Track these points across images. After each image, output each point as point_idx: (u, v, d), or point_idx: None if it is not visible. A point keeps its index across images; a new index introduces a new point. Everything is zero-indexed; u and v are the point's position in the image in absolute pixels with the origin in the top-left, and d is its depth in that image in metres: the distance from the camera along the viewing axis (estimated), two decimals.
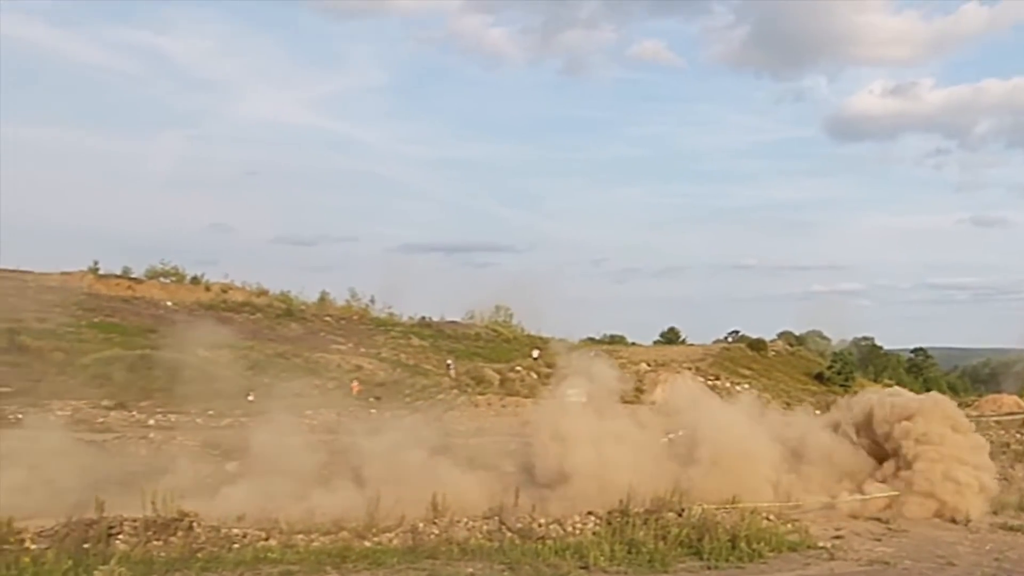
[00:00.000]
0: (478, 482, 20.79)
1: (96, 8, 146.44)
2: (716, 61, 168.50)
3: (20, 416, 33.29)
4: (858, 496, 21.89)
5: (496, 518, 17.55)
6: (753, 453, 22.21)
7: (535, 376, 65.36)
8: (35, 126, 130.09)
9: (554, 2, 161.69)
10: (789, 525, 19.07)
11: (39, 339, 55.29)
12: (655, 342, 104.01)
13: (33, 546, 14.33)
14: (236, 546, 15.55)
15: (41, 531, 15.05)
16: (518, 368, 67.52)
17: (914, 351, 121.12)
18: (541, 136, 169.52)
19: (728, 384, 70.00)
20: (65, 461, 21.76)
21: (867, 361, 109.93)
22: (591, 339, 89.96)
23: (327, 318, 78.96)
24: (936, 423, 22.76)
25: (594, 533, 17.10)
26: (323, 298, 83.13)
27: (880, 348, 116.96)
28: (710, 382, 69.05)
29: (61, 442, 24.53)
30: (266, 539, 16.01)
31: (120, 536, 15.28)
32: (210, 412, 41.59)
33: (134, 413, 40.65)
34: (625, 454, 21.75)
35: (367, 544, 16.16)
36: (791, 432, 24.43)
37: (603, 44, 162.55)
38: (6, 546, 14.29)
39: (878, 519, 20.88)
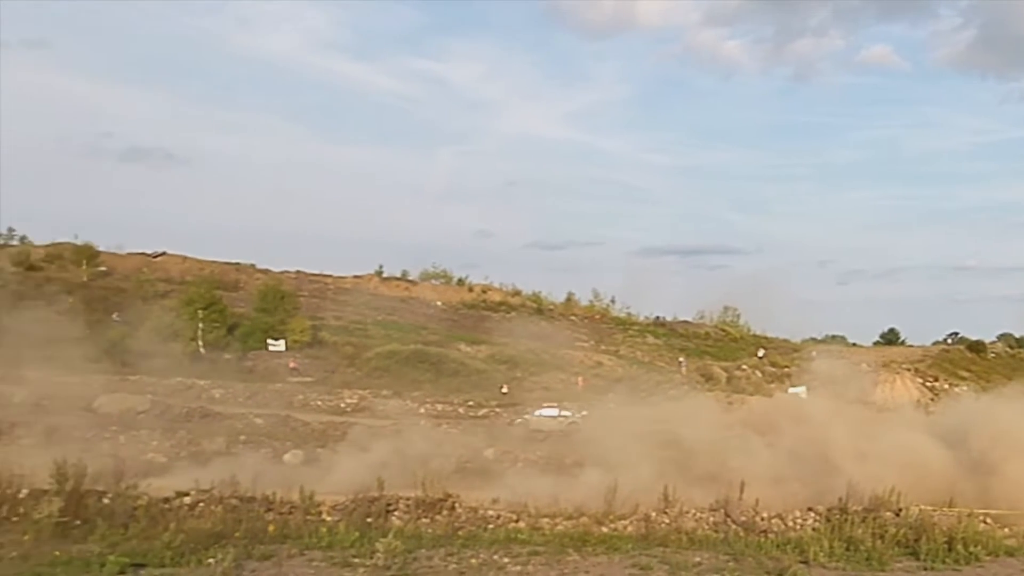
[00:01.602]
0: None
1: (392, 43, 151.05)
2: (942, 64, 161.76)
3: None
4: None
5: (722, 510, 17.09)
6: None
7: (759, 375, 64.54)
8: (341, 146, 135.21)
9: (786, 13, 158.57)
10: (1007, 529, 17.96)
11: (335, 335, 57.40)
12: (875, 343, 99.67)
13: (328, 518, 14.76)
14: (491, 526, 15.66)
15: (335, 505, 15.42)
16: (744, 366, 66.56)
17: None
18: (770, 142, 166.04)
19: (946, 386, 67.05)
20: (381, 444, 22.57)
21: None
22: (813, 339, 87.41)
23: (572, 317, 79.03)
24: None
25: (814, 529, 16.42)
26: (569, 299, 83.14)
27: None
28: (929, 383, 66.75)
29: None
30: (516, 521, 16.08)
31: (396, 512, 15.60)
32: (469, 402, 42.09)
33: (407, 402, 41.13)
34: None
35: (604, 530, 15.94)
36: None
37: (831, 51, 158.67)
38: (308, 517, 14.69)
39: None
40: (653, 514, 16.90)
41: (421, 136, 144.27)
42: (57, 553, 11.34)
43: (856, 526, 16.13)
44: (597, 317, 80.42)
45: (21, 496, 13.60)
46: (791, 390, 39.28)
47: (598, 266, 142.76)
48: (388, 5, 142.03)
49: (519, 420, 35.27)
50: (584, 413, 36.13)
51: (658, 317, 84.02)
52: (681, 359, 68.51)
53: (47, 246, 65.38)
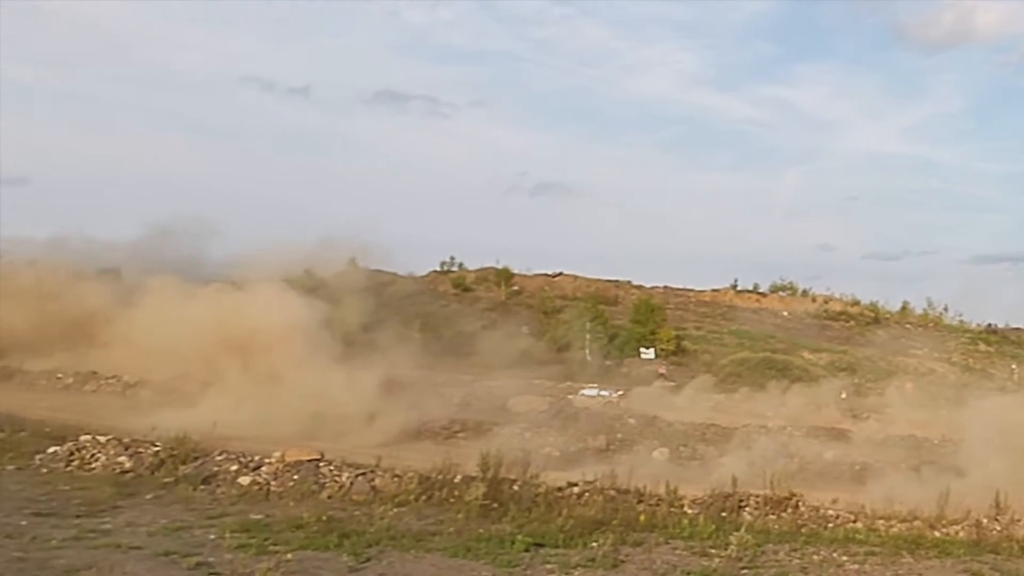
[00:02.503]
0: None
1: (748, 73, 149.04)
2: None
3: None
4: None
5: None
6: None
7: None
8: (702, 172, 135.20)
9: None
10: None
11: (695, 343, 57.66)
12: None
13: (689, 511, 14.82)
14: (831, 525, 15.19)
15: (695, 499, 15.44)
16: None
17: None
18: None
19: None
20: None
21: None
22: None
23: (907, 325, 74.62)
24: None
25: None
26: (904, 307, 78.20)
27: None
28: None
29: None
30: (854, 521, 15.55)
31: (746, 508, 15.47)
32: (812, 407, 40.58)
33: (757, 405, 40.25)
34: None
35: (936, 534, 15.01)
36: None
37: None
38: (672, 509, 14.87)
39: None
40: (984, 520, 15.80)
41: (770, 158, 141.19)
42: (481, 531, 12.18)
43: None
44: (931, 325, 75.77)
45: (456, 481, 14.71)
46: None
47: (932, 275, 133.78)
48: (747, 41, 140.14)
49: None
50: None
51: (990, 324, 77.99)
52: (1013, 366, 63.30)
53: (477, 270, 69.41)
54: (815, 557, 12.45)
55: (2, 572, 8.73)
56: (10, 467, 15.51)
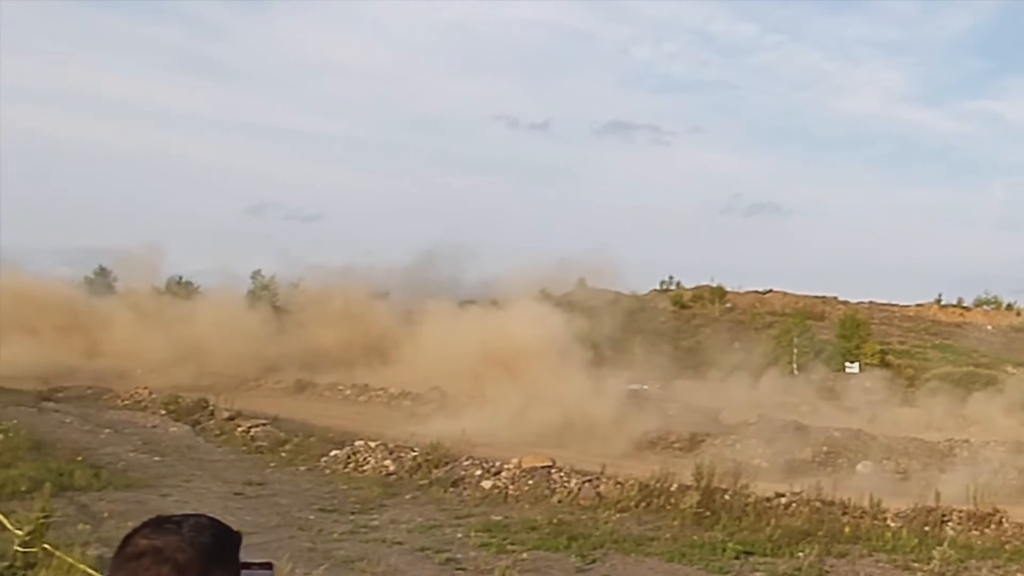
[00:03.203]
0: None
1: (955, 89, 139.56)
2: None
3: None
4: None
5: None
6: None
7: None
8: (907, 188, 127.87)
9: None
10: None
11: (899, 358, 54.57)
12: None
13: (892, 524, 14.07)
14: None
15: (898, 512, 14.57)
16: None
17: None
18: None
19: None
20: None
21: None
22: None
23: None
24: None
25: None
26: None
27: None
28: None
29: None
30: None
31: (949, 523, 14.45)
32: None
33: (958, 421, 37.73)
34: None
35: None
36: None
37: None
38: (875, 521, 14.10)
39: None
40: None
41: (977, 172, 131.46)
42: (695, 537, 12.11)
43: None
44: None
45: (672, 489, 14.61)
46: None
47: None
48: (955, 57, 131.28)
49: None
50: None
51: None
52: None
53: (693, 289, 68.29)
54: (1020, 574, 11.63)
55: (296, 560, 9.34)
56: (302, 468, 16.65)
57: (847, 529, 13.42)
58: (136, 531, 1.62)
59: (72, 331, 39.65)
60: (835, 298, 69.42)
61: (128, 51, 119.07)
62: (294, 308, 42.78)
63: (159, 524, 1.62)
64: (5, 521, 9.58)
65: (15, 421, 18.76)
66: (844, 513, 14.51)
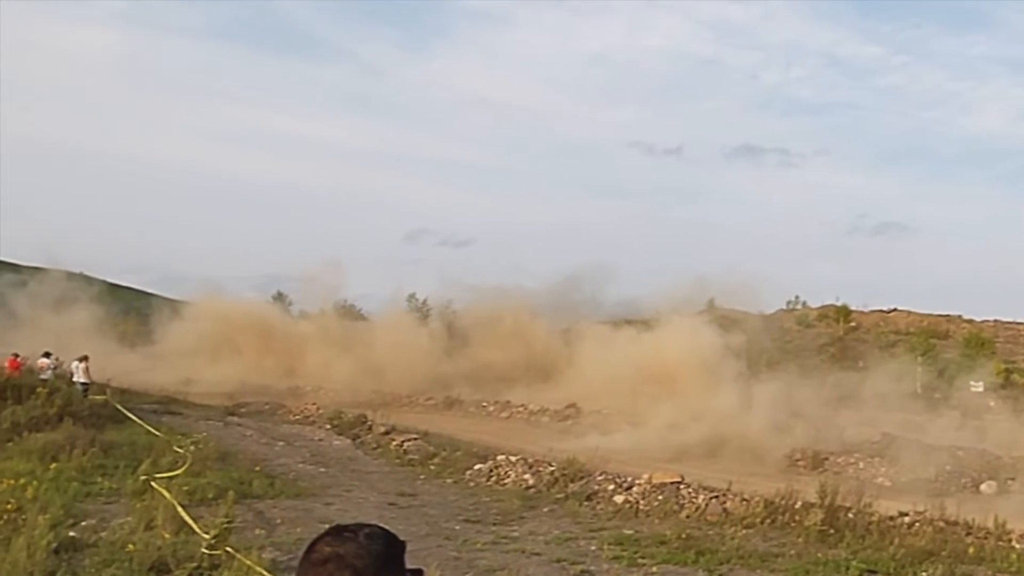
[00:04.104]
0: None
1: None
2: None
3: None
4: None
5: None
6: None
7: None
8: None
9: None
10: None
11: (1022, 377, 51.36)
12: None
13: (1018, 545, 13.10)
14: None
15: (1022, 534, 13.50)
16: None
17: None
18: None
19: None
20: None
21: None
22: None
23: None
24: None
25: None
26: None
27: None
28: None
29: None
30: None
31: None
32: None
33: None
34: None
35: None
36: None
37: None
38: (1000, 542, 13.17)
39: None
40: None
41: None
42: (819, 555, 11.61)
43: None
44: None
45: (797, 507, 14.14)
46: None
47: None
48: None
49: None
50: None
51: None
52: None
53: (818, 308, 66.19)
54: None
55: (443, 568, 9.53)
56: (448, 480, 16.95)
57: (971, 550, 12.58)
58: (319, 539, 1.74)
59: (268, 351, 41.38)
60: (960, 316, 65.96)
61: (301, 93, 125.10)
62: (463, 329, 43.00)
63: (339, 532, 1.74)
64: (194, 525, 10.15)
65: (204, 434, 19.89)
66: (968, 533, 13.70)
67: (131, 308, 53.72)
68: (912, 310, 66.19)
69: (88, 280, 50.86)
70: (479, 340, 40.26)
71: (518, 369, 37.51)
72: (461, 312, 46.35)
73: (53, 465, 13.86)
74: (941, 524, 13.99)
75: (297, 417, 27.58)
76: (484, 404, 33.83)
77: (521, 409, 32.36)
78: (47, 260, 52.43)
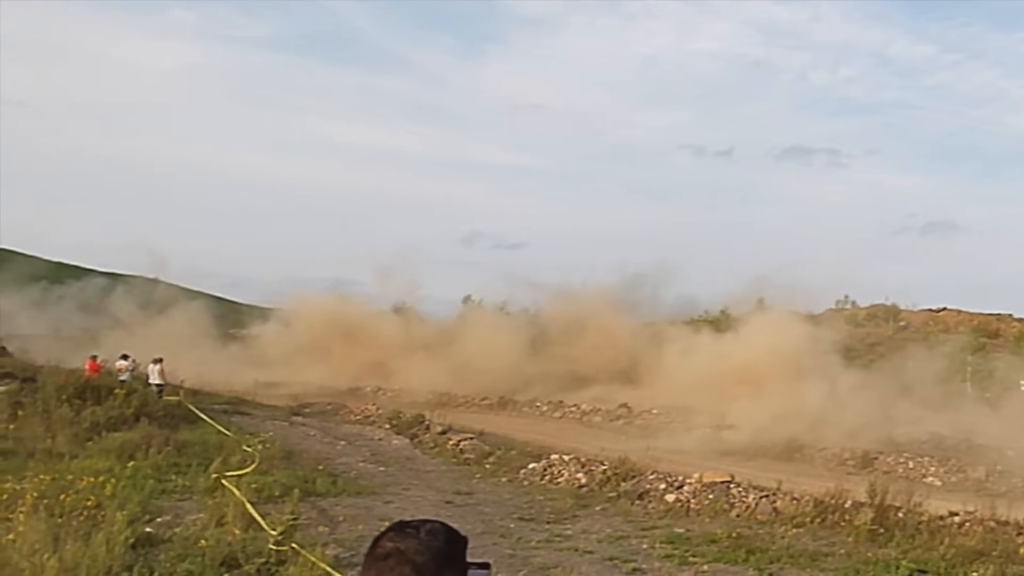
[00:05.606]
0: None
1: None
2: None
3: None
4: None
5: None
6: None
7: None
8: None
9: None
10: None
11: None
12: None
13: None
14: None
15: None
16: None
17: None
18: None
19: None
20: None
21: None
22: None
23: None
24: None
25: None
26: None
27: None
28: None
29: None
30: None
31: None
32: None
33: None
34: None
35: None
36: None
37: None
38: None
39: None
40: None
41: None
42: (869, 554, 11.38)
43: None
44: None
45: (846, 506, 13.87)
46: None
47: None
48: None
49: None
50: None
51: None
52: None
53: (868, 307, 64.56)
54: None
55: (498, 565, 9.55)
56: (503, 479, 16.97)
57: (1022, 550, 12.20)
58: (383, 535, 1.76)
59: (357, 351, 41.02)
60: (1010, 316, 63.68)
61: (361, 102, 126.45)
62: (551, 330, 41.96)
63: (401, 528, 1.75)
64: (262, 522, 10.32)
65: (271, 433, 20.22)
66: (1019, 534, 13.23)
67: (228, 315, 53.55)
68: (962, 309, 64.14)
69: (185, 291, 51.83)
70: (568, 341, 38.96)
71: (604, 372, 36.61)
72: (543, 312, 45.11)
73: (130, 463, 14.22)
74: (992, 524, 13.56)
75: (357, 417, 27.84)
76: (538, 404, 33.62)
77: (574, 409, 32.16)
78: (148, 270, 53.78)
